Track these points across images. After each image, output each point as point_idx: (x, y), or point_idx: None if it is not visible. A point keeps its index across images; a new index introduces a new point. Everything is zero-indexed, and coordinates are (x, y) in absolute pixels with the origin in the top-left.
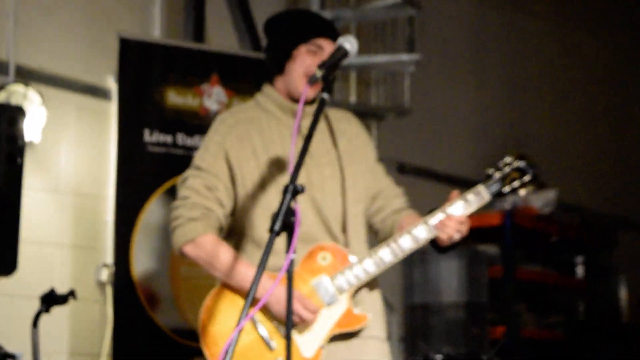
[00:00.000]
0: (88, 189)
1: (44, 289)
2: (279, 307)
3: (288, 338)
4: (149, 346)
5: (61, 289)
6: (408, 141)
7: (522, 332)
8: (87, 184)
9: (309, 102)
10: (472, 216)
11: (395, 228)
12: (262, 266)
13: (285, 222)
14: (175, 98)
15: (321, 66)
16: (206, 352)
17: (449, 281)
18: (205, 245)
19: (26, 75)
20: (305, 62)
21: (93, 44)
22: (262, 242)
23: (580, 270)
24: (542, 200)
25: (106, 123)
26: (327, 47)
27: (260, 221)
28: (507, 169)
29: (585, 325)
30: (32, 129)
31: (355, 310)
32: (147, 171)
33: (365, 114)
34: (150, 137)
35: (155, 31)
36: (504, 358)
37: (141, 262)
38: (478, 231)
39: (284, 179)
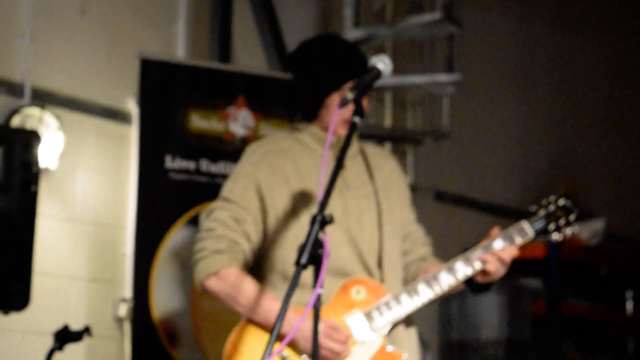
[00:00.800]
0: (106, 218)
1: (57, 324)
2: (306, 342)
3: None
4: None
5: (76, 325)
6: (446, 167)
7: None
8: (106, 213)
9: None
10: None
11: (419, 274)
12: (287, 301)
13: (313, 255)
14: (199, 122)
15: (353, 88)
16: None
17: (489, 317)
18: (229, 278)
19: (42, 98)
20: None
21: (113, 65)
22: (291, 276)
23: (630, 306)
24: (589, 231)
25: (126, 148)
26: None
27: (290, 254)
28: (552, 207)
29: None
30: (47, 154)
31: (389, 348)
32: (168, 200)
33: (401, 138)
34: (172, 163)
35: (178, 51)
36: None
37: (161, 297)
38: (521, 263)
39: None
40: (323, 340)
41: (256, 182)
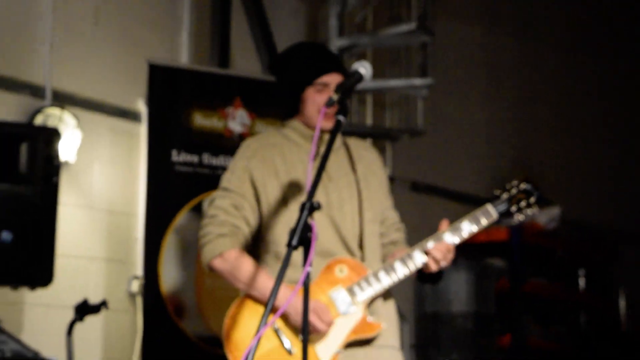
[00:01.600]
0: (119, 206)
1: (78, 299)
2: (297, 317)
3: (305, 345)
4: (177, 353)
5: (94, 300)
6: (421, 161)
7: (527, 341)
8: (119, 201)
9: (326, 131)
10: (481, 232)
11: (388, 257)
12: (280, 278)
13: (302, 237)
14: (201, 120)
15: (337, 90)
16: (229, 356)
17: (459, 292)
18: (231, 259)
19: (62, 99)
20: (316, 101)
21: (124, 70)
22: (283, 256)
23: (582, 283)
24: (547, 217)
25: (136, 144)
26: (332, 81)
27: (282, 237)
28: (514, 191)
29: (586, 335)
30: (67, 149)
31: (370, 319)
32: (174, 189)
33: (380, 136)
34: (177, 157)
35: (182, 57)
36: None
37: (169, 275)
38: (486, 246)
39: (303, 198)
40: (311, 316)
41: (250, 173)
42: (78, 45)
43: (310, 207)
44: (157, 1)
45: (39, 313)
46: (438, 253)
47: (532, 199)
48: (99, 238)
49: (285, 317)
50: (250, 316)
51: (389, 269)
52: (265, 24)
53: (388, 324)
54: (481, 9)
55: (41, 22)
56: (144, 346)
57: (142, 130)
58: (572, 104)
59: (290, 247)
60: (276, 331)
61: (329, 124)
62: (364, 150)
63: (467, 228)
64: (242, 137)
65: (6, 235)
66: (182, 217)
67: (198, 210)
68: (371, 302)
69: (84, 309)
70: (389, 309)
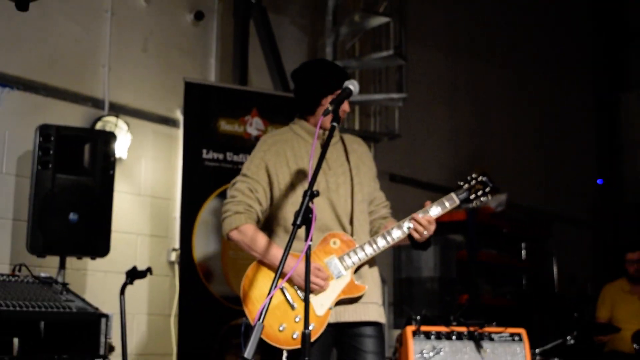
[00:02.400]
0: (161, 192)
1: (128, 266)
2: (300, 279)
3: (306, 301)
4: (206, 309)
5: (141, 267)
6: (398, 158)
7: (482, 299)
8: (161, 189)
9: (326, 130)
10: (445, 215)
11: (381, 229)
12: (287, 250)
13: (305, 218)
14: (225, 126)
15: (332, 102)
16: (246, 310)
17: (427, 261)
18: (247, 232)
19: (117, 110)
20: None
21: (165, 86)
22: (290, 231)
23: (524, 253)
24: (496, 202)
25: (175, 144)
26: None
27: (290, 214)
28: (473, 182)
29: (527, 294)
30: (120, 149)
31: (357, 282)
32: (204, 180)
33: (365, 138)
34: (207, 155)
35: (211, 76)
36: (467, 318)
37: (200, 247)
38: (449, 224)
39: (307, 184)
40: (311, 276)
41: (265, 163)
42: (130, 67)
43: (311, 195)
44: (191, 33)
45: (98, 277)
46: (418, 226)
47: (488, 189)
48: (145, 218)
49: (289, 280)
50: (263, 278)
51: (372, 242)
52: (276, 50)
53: (373, 285)
54: (444, 38)
55: (102, 49)
56: (180, 303)
57: (179, 133)
58: (516, 111)
59: (295, 226)
60: (282, 290)
61: (328, 123)
62: (356, 144)
63: (435, 211)
64: (257, 140)
65: (73, 216)
66: (210, 202)
67: (223, 197)
68: (358, 268)
69: (133, 274)
70: (373, 273)
